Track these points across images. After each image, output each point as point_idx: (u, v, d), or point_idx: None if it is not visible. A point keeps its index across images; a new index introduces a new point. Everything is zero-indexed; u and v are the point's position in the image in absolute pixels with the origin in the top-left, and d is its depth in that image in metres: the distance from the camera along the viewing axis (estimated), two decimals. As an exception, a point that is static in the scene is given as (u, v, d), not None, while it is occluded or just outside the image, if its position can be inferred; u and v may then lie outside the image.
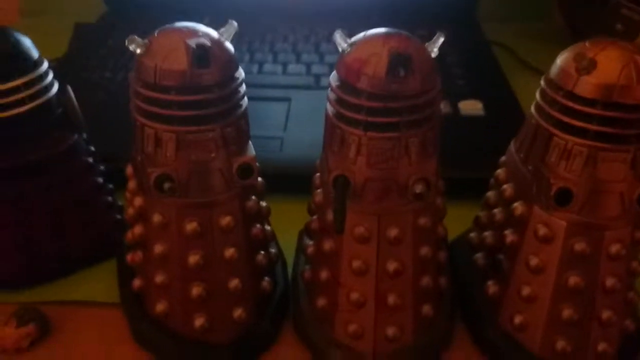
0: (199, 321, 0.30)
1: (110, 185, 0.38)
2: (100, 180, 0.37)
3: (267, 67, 0.53)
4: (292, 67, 0.53)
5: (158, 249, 0.29)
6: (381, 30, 0.27)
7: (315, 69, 0.53)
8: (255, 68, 0.53)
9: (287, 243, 0.37)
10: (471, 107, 0.46)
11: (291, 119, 0.46)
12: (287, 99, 0.48)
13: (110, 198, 0.38)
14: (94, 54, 0.56)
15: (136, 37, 0.27)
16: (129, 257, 0.32)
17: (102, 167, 0.38)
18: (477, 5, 0.62)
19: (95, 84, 0.51)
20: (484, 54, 0.56)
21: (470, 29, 0.60)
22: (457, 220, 0.35)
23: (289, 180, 0.38)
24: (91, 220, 0.37)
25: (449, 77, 0.51)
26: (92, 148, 0.37)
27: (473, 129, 0.44)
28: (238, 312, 0.30)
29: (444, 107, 0.47)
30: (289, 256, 0.36)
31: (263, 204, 0.32)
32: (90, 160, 0.37)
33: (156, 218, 0.29)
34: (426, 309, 0.30)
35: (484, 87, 0.49)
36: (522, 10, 0.66)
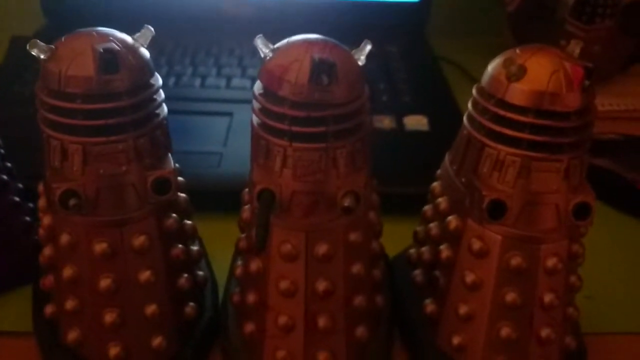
0: (114, 350, 0.27)
1: (30, 204, 0.35)
2: (17, 199, 0.34)
3: (210, 80, 0.51)
4: (236, 81, 0.51)
5: (67, 272, 0.27)
6: (305, 36, 0.25)
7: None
8: (197, 81, 0.51)
9: (224, 263, 0.34)
10: (416, 122, 0.46)
11: (232, 133, 0.45)
12: (229, 114, 0.47)
13: (28, 218, 0.35)
14: (28, 67, 0.53)
15: (39, 41, 0.25)
16: (41, 282, 0.29)
17: (19, 185, 0.35)
18: (426, 21, 0.62)
19: (27, 99, 0.48)
20: (432, 69, 0.56)
21: (419, 45, 0.60)
22: (402, 237, 0.34)
23: (227, 196, 0.36)
24: (6, 242, 0.34)
25: (395, 92, 0.50)
26: (8, 164, 0.34)
27: (418, 144, 0.44)
28: (157, 341, 0.28)
29: (389, 122, 0.46)
30: (224, 278, 0.34)
31: (187, 222, 0.30)
32: (6, 177, 0.34)
33: (64, 238, 0.26)
34: (360, 331, 0.28)
35: (429, 103, 0.49)
36: (471, 25, 0.66)
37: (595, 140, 0.46)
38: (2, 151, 0.34)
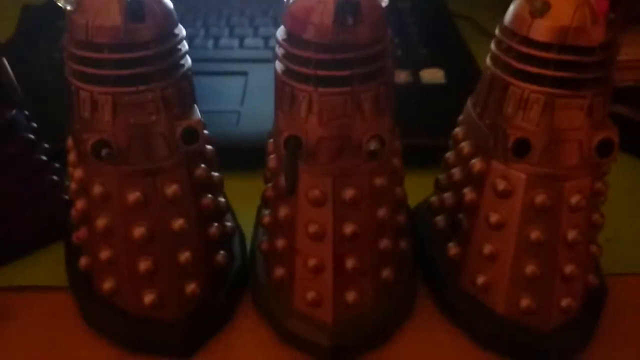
0: (148, 297, 0.28)
1: (57, 165, 0.36)
2: (44, 158, 0.35)
3: (223, 41, 0.51)
4: (249, 41, 0.51)
5: (101, 222, 0.28)
6: (328, -21, 0.25)
7: (273, 42, 0.51)
8: (210, 43, 0.51)
9: (247, 219, 0.35)
10: (432, 75, 0.45)
11: (248, 92, 0.45)
12: (244, 73, 0.47)
13: (56, 177, 0.36)
14: (42, 35, 0.53)
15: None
16: (74, 235, 0.30)
17: (46, 146, 0.36)
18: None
19: (44, 66, 0.49)
20: (446, 24, 0.55)
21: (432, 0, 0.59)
22: (422, 188, 0.34)
23: (247, 153, 0.37)
24: (35, 201, 0.35)
25: (410, 47, 0.50)
26: (34, 124, 0.35)
27: (435, 97, 0.44)
28: (191, 287, 0.29)
29: (406, 76, 0.46)
30: (249, 232, 0.35)
31: (215, 174, 0.30)
32: (32, 136, 0.34)
33: (97, 189, 0.27)
34: (386, 272, 0.29)
35: (445, 56, 0.48)
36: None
37: (615, 88, 0.46)
38: (27, 112, 0.35)
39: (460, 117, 0.30)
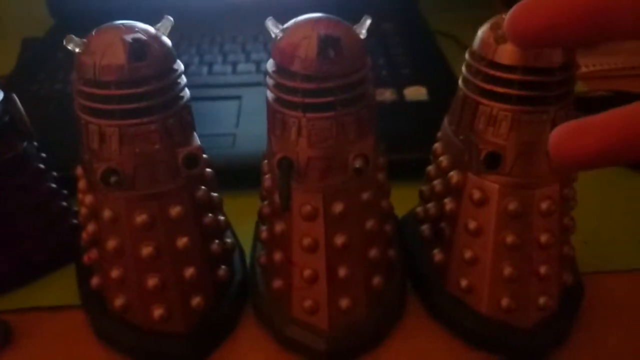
0: (157, 312, 0.30)
1: (65, 191, 0.38)
2: (54, 186, 0.37)
3: (217, 67, 0.54)
4: (241, 66, 0.54)
5: (111, 244, 0.30)
6: (310, 15, 0.28)
7: (265, 66, 0.54)
8: (205, 69, 0.53)
9: (246, 235, 0.37)
10: (415, 93, 0.48)
11: (243, 115, 0.47)
12: (238, 97, 0.49)
13: (65, 203, 0.38)
14: (43, 67, 0.56)
15: (73, 36, 0.27)
16: (85, 257, 0.33)
17: (54, 174, 0.38)
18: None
19: (46, 97, 0.51)
20: (428, 43, 0.58)
21: (414, 20, 0.62)
22: (408, 199, 0.37)
23: (243, 173, 0.39)
24: (47, 226, 0.37)
25: (394, 66, 0.53)
26: (44, 155, 0.37)
27: (418, 113, 0.46)
28: (196, 300, 0.31)
29: (390, 94, 0.48)
30: (248, 247, 0.37)
31: (214, 194, 0.33)
32: (42, 166, 0.37)
33: (107, 213, 0.29)
34: (377, 280, 0.31)
35: (427, 74, 0.51)
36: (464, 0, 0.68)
37: (586, 98, 0.49)
38: (36, 144, 0.37)
39: (439, 134, 0.33)
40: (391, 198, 0.32)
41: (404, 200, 0.35)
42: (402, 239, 0.35)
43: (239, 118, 0.47)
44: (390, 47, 0.56)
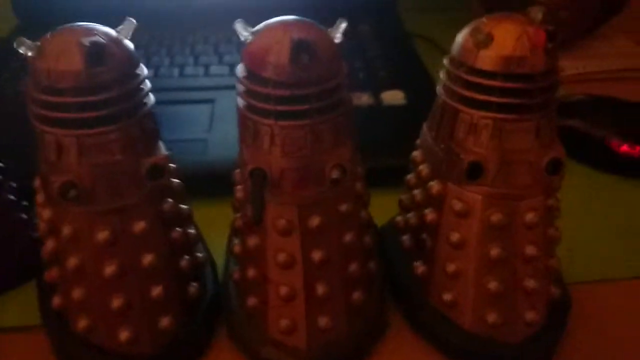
0: (123, 334, 0.28)
1: (25, 202, 0.36)
2: (12, 197, 0.35)
3: (189, 69, 0.52)
4: (214, 69, 0.52)
5: (72, 262, 0.28)
6: (283, 18, 0.26)
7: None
8: (176, 71, 0.51)
9: (218, 247, 0.36)
10: (393, 97, 0.47)
11: (215, 120, 0.45)
12: (211, 101, 0.47)
13: (24, 215, 0.36)
14: (5, 68, 0.53)
15: (25, 39, 0.25)
16: (46, 274, 0.30)
17: (12, 184, 0.36)
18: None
19: (9, 98, 0.49)
20: (405, 45, 0.57)
21: (391, 22, 0.61)
22: (387, 207, 0.35)
23: (215, 181, 0.37)
24: (5, 240, 0.35)
25: (371, 70, 0.51)
26: (1, 164, 0.35)
27: (395, 118, 0.45)
28: (165, 321, 0.29)
29: (367, 98, 0.47)
30: (221, 258, 0.35)
31: (183, 206, 0.31)
32: (-1, 177, 0.35)
33: (66, 230, 0.27)
34: (357, 295, 0.29)
35: (405, 78, 0.50)
36: (442, 1, 0.68)
37: (565, 102, 0.48)
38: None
39: (418, 141, 0.32)
40: (370, 206, 0.31)
41: (382, 208, 0.34)
42: (382, 249, 0.34)
43: (211, 123, 0.45)
44: (367, 50, 0.54)
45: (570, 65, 0.55)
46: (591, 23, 0.59)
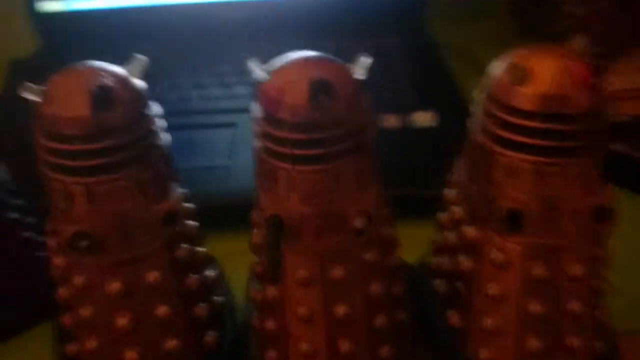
0: (137, 386, 0.27)
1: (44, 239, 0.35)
2: (30, 235, 0.34)
3: (210, 91, 0.50)
4: (237, 89, 0.50)
5: (84, 312, 0.27)
6: (300, 54, 0.24)
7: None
8: (195, 93, 0.50)
9: (240, 281, 0.34)
10: (423, 118, 0.44)
11: (237, 145, 0.44)
12: (233, 124, 0.46)
13: (43, 253, 0.35)
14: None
15: (31, 84, 0.24)
16: (61, 319, 0.29)
17: (31, 221, 0.35)
18: (425, 9, 0.60)
19: (31, 128, 0.48)
20: (435, 61, 0.54)
21: (419, 35, 0.58)
22: (417, 239, 0.33)
23: (237, 210, 0.35)
24: (21, 280, 0.34)
25: (398, 88, 0.49)
26: (19, 201, 0.34)
27: (426, 141, 0.43)
28: (180, 373, 0.28)
29: (395, 120, 0.45)
30: (242, 291, 0.33)
31: (199, 249, 0.29)
32: (16, 215, 0.34)
33: (78, 280, 0.26)
34: (385, 350, 0.27)
35: (436, 97, 0.47)
36: (471, 9, 0.65)
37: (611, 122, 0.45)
38: (11, 187, 0.34)
39: (451, 177, 0.29)
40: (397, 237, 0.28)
41: (411, 239, 0.31)
42: (415, 290, 0.32)
43: (233, 148, 0.44)
44: (394, 66, 0.52)
45: (617, 81, 0.51)
46: (625, 38, 0.55)
